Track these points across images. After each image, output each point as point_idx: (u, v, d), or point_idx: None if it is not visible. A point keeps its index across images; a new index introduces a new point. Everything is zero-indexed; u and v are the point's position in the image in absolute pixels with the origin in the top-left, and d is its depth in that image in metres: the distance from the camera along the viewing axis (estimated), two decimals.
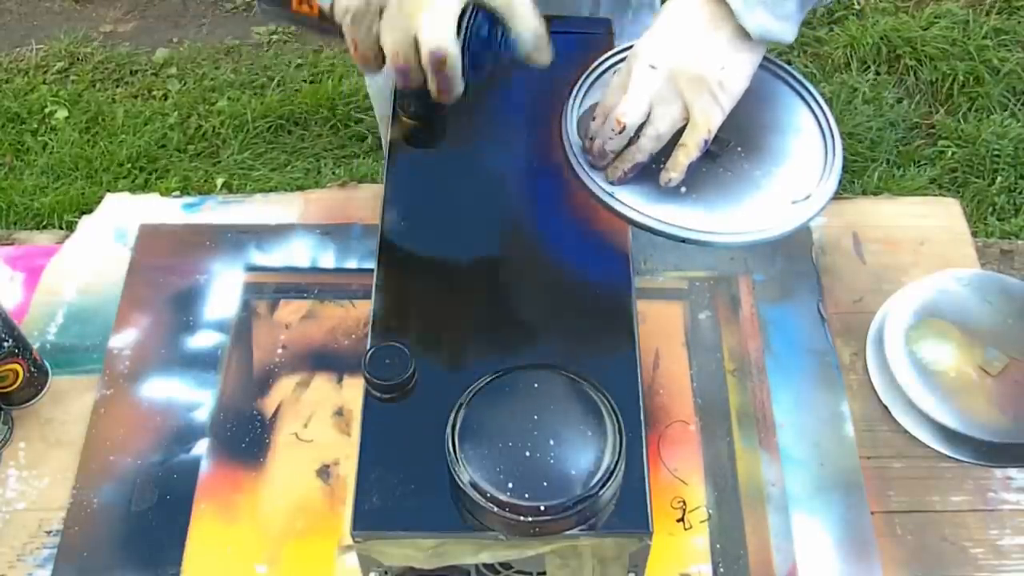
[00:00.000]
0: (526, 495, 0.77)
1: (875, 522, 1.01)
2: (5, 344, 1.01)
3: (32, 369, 1.06)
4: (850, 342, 1.14)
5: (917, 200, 1.34)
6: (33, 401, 1.08)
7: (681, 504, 1.01)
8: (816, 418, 1.08)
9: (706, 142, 0.92)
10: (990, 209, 2.32)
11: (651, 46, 0.93)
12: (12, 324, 1.03)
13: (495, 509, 0.77)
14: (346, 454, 1.05)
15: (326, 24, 0.92)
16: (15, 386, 1.05)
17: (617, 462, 0.79)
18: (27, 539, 1.00)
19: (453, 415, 0.81)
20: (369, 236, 1.22)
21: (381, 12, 0.87)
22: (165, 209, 1.27)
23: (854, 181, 2.34)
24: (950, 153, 2.41)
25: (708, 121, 0.91)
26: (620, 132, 0.93)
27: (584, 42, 1.10)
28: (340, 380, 1.11)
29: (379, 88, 1.47)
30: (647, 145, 0.93)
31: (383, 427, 0.85)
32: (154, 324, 1.15)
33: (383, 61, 0.90)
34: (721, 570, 0.98)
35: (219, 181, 2.40)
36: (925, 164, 2.41)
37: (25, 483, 1.04)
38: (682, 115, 0.92)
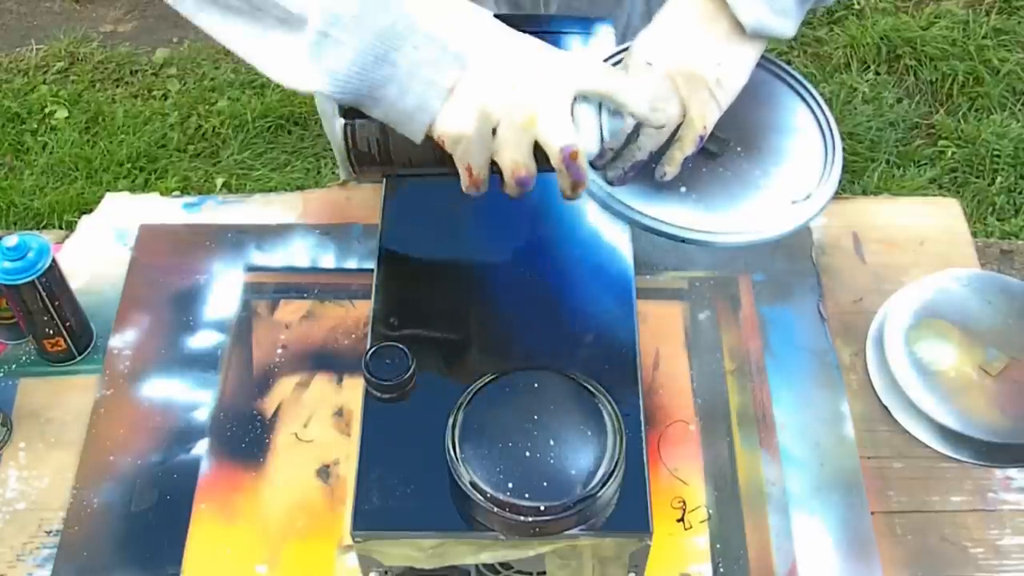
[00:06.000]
0: (526, 495, 0.77)
1: (875, 522, 1.01)
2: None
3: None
4: (850, 342, 1.14)
5: (917, 200, 1.35)
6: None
7: (681, 504, 1.01)
8: (816, 418, 1.08)
9: (701, 138, 0.92)
10: (990, 209, 2.32)
11: (647, 43, 0.93)
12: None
13: (495, 509, 0.77)
14: (346, 454, 1.05)
15: (424, 162, 0.87)
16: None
17: (617, 462, 0.79)
18: (27, 539, 1.00)
19: (453, 415, 0.82)
20: (369, 236, 1.22)
21: (492, 132, 0.82)
22: (165, 209, 1.27)
23: (854, 181, 2.34)
24: (950, 153, 2.41)
25: (704, 118, 0.91)
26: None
27: (584, 42, 1.10)
28: (340, 380, 1.11)
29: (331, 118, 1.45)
30: (647, 143, 0.93)
31: (383, 427, 0.85)
32: (154, 324, 1.15)
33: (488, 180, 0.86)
34: (721, 570, 0.98)
35: (219, 181, 2.40)
36: (925, 164, 2.41)
37: (25, 483, 1.04)
38: (679, 112, 0.92)
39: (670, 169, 0.94)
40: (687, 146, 0.92)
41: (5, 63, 2.72)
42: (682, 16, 0.92)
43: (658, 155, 0.94)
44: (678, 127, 0.93)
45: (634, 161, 0.94)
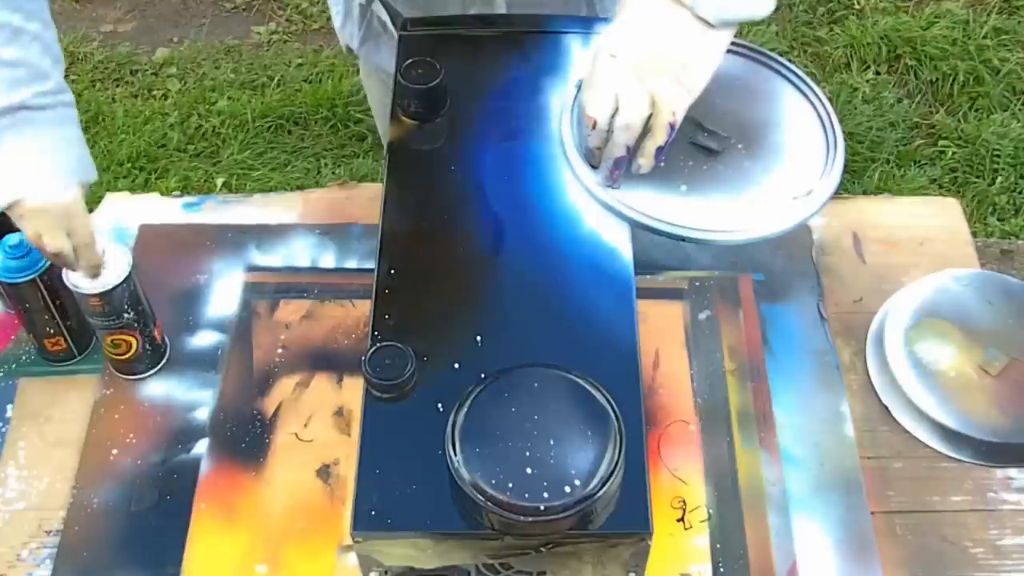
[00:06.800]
0: (526, 495, 0.77)
1: (875, 522, 1.01)
2: (125, 316, 1.04)
3: (147, 346, 1.09)
4: (850, 342, 1.14)
5: (917, 200, 1.35)
6: (143, 375, 1.10)
7: (681, 504, 1.01)
8: (816, 418, 1.08)
9: (672, 126, 0.91)
10: (990, 209, 2.32)
11: (612, 36, 0.92)
12: (139, 298, 1.05)
13: (495, 509, 0.77)
14: (346, 454, 1.05)
15: None
16: (127, 356, 1.08)
17: (617, 462, 0.79)
18: (27, 539, 1.00)
19: (453, 415, 0.81)
20: (369, 236, 1.22)
21: None
22: (165, 209, 1.27)
23: (854, 181, 2.34)
24: (950, 153, 2.41)
25: (672, 103, 0.90)
26: (593, 128, 0.92)
27: (585, 42, 1.10)
28: (340, 380, 1.11)
29: (379, 94, 1.47)
30: (620, 137, 0.92)
31: (383, 427, 0.85)
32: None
33: None
34: (721, 570, 0.98)
35: (219, 181, 2.40)
36: (925, 164, 2.41)
37: (25, 483, 1.04)
38: (649, 103, 0.91)
39: (644, 161, 0.94)
40: (659, 135, 0.91)
41: None
42: (646, 8, 0.92)
43: (636, 149, 0.94)
44: (650, 118, 0.92)
45: (613, 157, 0.94)
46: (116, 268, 1.01)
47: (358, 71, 2.60)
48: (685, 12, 0.90)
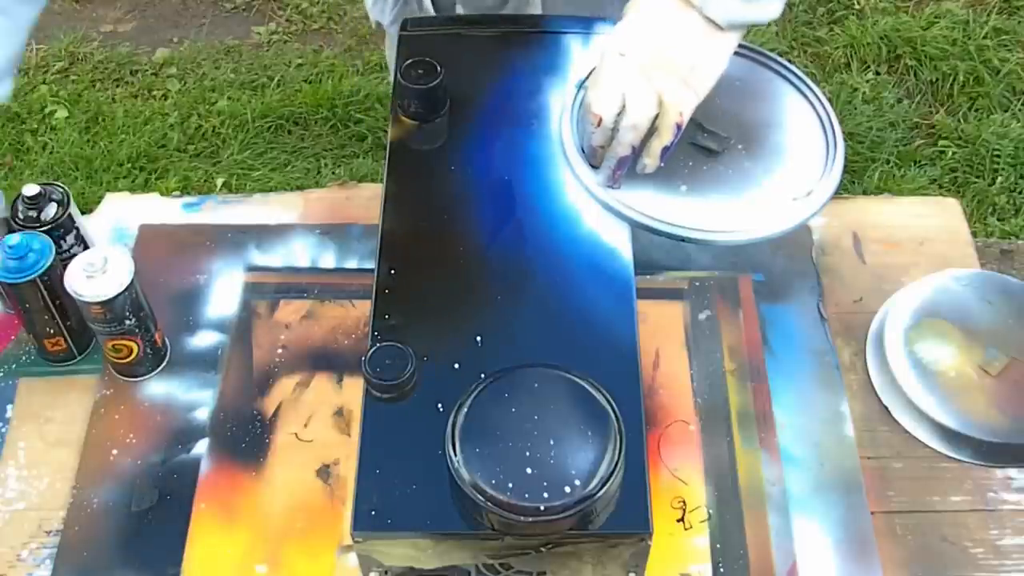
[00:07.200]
0: (526, 495, 0.77)
1: (875, 522, 1.01)
2: (127, 322, 1.04)
3: (148, 350, 1.09)
4: (850, 342, 1.14)
5: (917, 200, 1.35)
6: (145, 376, 1.11)
7: (681, 504, 1.01)
8: (816, 418, 1.08)
9: (678, 127, 0.91)
10: (990, 209, 2.32)
11: (621, 35, 0.92)
12: (140, 304, 1.05)
13: (495, 509, 0.77)
14: (346, 454, 1.05)
15: None
16: (128, 360, 1.08)
17: (617, 462, 0.79)
18: (27, 539, 1.00)
19: (453, 415, 0.82)
20: (369, 236, 1.22)
21: None
22: (165, 209, 1.27)
23: (854, 181, 2.34)
24: (950, 153, 2.41)
25: (679, 104, 0.90)
26: (598, 125, 0.92)
27: (585, 42, 1.11)
28: (340, 380, 1.11)
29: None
30: (626, 137, 0.92)
31: (383, 427, 0.85)
32: None
33: None
34: (721, 570, 0.98)
35: (219, 181, 2.40)
36: (925, 164, 2.41)
37: (25, 483, 1.04)
38: (656, 103, 0.91)
39: (650, 161, 0.94)
40: (665, 135, 0.92)
41: None
42: (655, 8, 0.92)
43: (641, 149, 0.94)
44: (656, 118, 0.92)
45: (617, 157, 0.94)
46: (117, 276, 1.01)
47: (358, 71, 2.62)
48: (694, 13, 0.90)
